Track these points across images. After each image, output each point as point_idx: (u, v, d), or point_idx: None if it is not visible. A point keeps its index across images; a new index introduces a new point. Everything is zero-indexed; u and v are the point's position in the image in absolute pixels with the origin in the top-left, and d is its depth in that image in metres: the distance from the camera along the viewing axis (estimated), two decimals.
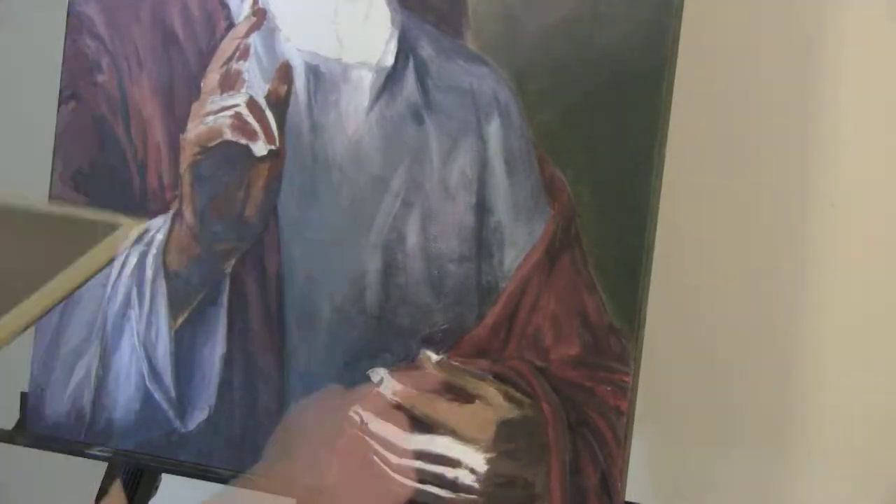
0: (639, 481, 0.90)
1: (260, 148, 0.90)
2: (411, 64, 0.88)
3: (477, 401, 0.86)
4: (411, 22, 0.88)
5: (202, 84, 0.92)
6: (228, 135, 0.90)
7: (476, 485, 0.86)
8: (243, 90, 0.91)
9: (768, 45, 1.04)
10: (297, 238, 0.90)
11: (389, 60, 0.88)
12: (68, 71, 0.96)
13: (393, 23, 0.88)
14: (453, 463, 0.86)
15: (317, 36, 0.90)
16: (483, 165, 0.86)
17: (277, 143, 0.90)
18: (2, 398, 1.06)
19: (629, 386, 0.84)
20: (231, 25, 0.92)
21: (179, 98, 0.93)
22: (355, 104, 0.89)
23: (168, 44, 0.93)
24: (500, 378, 0.86)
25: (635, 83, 0.83)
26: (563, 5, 0.84)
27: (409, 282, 0.88)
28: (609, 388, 0.84)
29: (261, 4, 0.91)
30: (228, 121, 0.90)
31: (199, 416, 0.92)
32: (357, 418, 0.88)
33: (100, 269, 0.74)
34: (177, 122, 0.93)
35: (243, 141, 0.90)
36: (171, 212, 0.93)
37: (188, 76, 0.92)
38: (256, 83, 0.91)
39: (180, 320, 0.92)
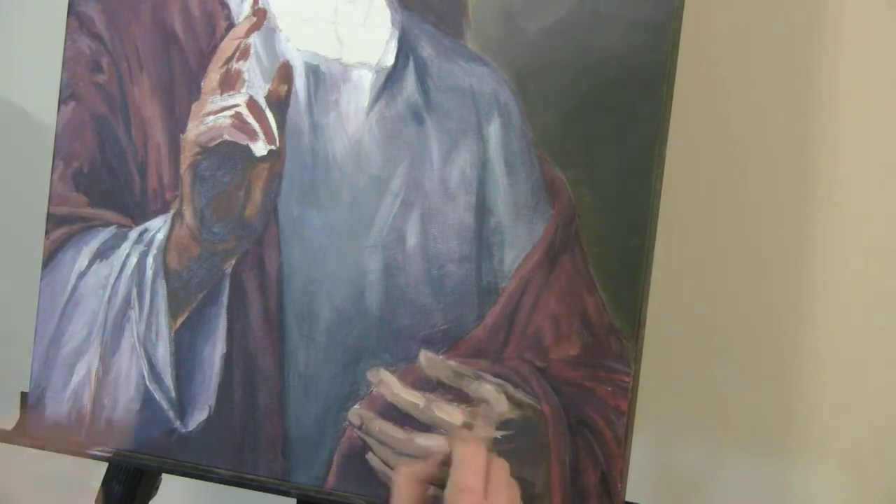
0: (639, 481, 0.90)
1: (260, 148, 0.90)
2: (411, 64, 0.88)
3: (477, 401, 0.86)
4: (411, 22, 0.88)
5: (202, 84, 0.92)
6: (228, 135, 0.90)
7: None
8: (243, 90, 0.91)
9: (768, 45, 1.05)
10: (297, 238, 0.90)
11: (389, 61, 0.88)
12: (68, 71, 0.96)
13: (393, 23, 0.88)
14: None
15: (317, 36, 0.90)
16: (483, 166, 0.86)
17: (277, 144, 0.90)
18: (2, 398, 1.06)
19: (629, 386, 0.84)
20: (231, 25, 0.92)
21: (179, 98, 0.93)
22: (355, 104, 0.89)
23: (168, 44, 0.93)
24: (499, 378, 0.86)
25: (635, 84, 0.83)
26: (563, 6, 0.85)
27: (409, 282, 0.88)
28: (609, 389, 0.84)
29: (261, 4, 0.91)
30: (228, 121, 0.90)
31: (199, 416, 0.92)
32: (357, 419, 0.88)
33: None
34: (177, 122, 0.93)
35: (243, 141, 0.90)
36: (171, 212, 0.93)
37: (188, 76, 0.92)
38: (256, 83, 0.91)
39: (180, 320, 0.92)
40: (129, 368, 0.93)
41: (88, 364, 0.94)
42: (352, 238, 0.89)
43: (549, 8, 0.85)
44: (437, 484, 0.86)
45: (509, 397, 0.86)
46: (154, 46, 0.94)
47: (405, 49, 0.88)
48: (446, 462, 0.85)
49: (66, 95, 0.96)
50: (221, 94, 0.91)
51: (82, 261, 0.95)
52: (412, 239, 0.88)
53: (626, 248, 0.84)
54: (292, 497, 0.92)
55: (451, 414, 0.86)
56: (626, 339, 0.84)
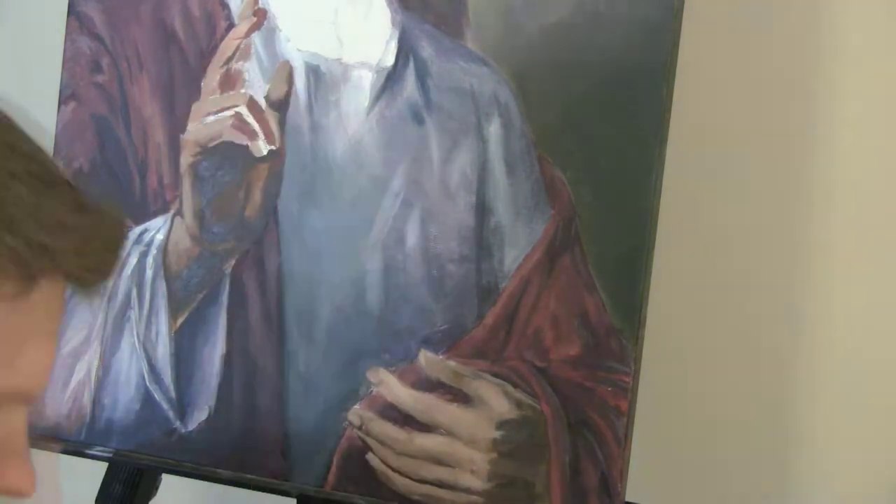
0: (639, 481, 0.90)
1: (260, 148, 0.90)
2: (411, 64, 0.88)
3: (476, 401, 0.86)
4: (411, 22, 0.88)
5: (202, 84, 0.92)
6: (228, 135, 0.90)
7: (476, 485, 0.86)
8: (243, 90, 0.91)
9: (768, 44, 1.04)
10: (297, 238, 0.90)
11: (390, 61, 0.88)
12: (68, 71, 0.96)
13: (393, 23, 0.88)
14: (453, 463, 0.86)
15: (317, 36, 0.90)
16: (483, 166, 0.86)
17: (277, 143, 0.90)
18: None
19: (629, 386, 0.84)
20: (231, 25, 0.92)
21: (179, 98, 0.93)
22: (355, 104, 0.89)
23: (168, 44, 0.93)
24: (499, 378, 0.86)
25: (635, 83, 0.83)
26: (564, 5, 0.84)
27: (409, 282, 0.87)
28: (609, 389, 0.84)
29: (261, 5, 0.91)
30: (229, 121, 0.90)
31: (199, 416, 0.92)
32: (357, 419, 0.88)
33: None
34: (177, 122, 0.93)
35: (243, 141, 0.90)
36: (171, 212, 0.93)
37: (188, 76, 0.92)
38: (256, 83, 0.91)
39: (180, 320, 0.92)
40: (129, 368, 0.93)
41: (88, 364, 0.94)
42: (352, 238, 0.89)
43: (549, 8, 0.85)
44: (436, 484, 0.87)
45: (509, 397, 0.86)
46: (154, 46, 0.94)
47: (405, 49, 0.88)
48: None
49: (66, 95, 0.96)
50: (221, 94, 0.91)
51: None
52: (412, 239, 0.88)
53: (626, 248, 0.84)
54: (292, 497, 0.92)
55: None
56: (626, 339, 0.84)
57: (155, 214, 0.94)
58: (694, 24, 0.89)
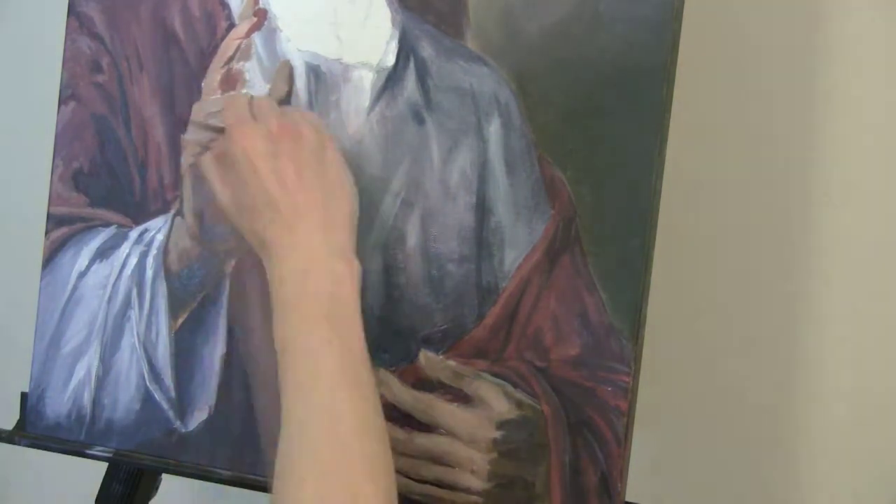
0: (639, 481, 0.90)
1: None
2: (412, 64, 0.88)
3: (476, 401, 0.86)
4: (412, 22, 0.88)
5: (202, 84, 0.92)
6: None
7: (476, 485, 0.86)
8: (244, 90, 0.91)
9: (768, 44, 1.05)
10: None
11: (390, 61, 0.88)
12: (68, 71, 0.96)
13: (393, 23, 0.88)
14: (453, 463, 0.86)
15: (317, 36, 0.90)
16: (483, 166, 0.86)
17: None
18: (2, 398, 1.06)
19: (629, 386, 0.84)
20: (231, 25, 0.92)
21: (180, 98, 0.93)
22: (356, 104, 0.89)
23: (168, 44, 0.93)
24: (499, 378, 0.86)
25: (635, 83, 0.83)
26: (564, 5, 0.85)
27: (409, 282, 0.88)
28: (609, 389, 0.84)
29: (261, 4, 0.91)
30: None
31: (199, 416, 0.92)
32: None
33: None
34: (177, 122, 0.93)
35: None
36: (172, 212, 0.93)
37: (188, 76, 0.92)
38: (257, 83, 0.91)
39: (180, 321, 0.92)
40: (129, 368, 0.93)
41: (88, 364, 0.94)
42: None
43: (549, 8, 0.85)
44: (436, 484, 0.87)
45: (509, 397, 0.86)
46: (154, 46, 0.94)
47: (405, 49, 0.88)
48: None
49: (66, 95, 0.96)
50: (222, 93, 0.91)
51: (82, 261, 0.95)
52: (412, 239, 0.88)
53: (626, 248, 0.84)
54: None
55: None
56: (626, 339, 0.84)
57: (155, 214, 0.94)
58: (694, 24, 0.89)
